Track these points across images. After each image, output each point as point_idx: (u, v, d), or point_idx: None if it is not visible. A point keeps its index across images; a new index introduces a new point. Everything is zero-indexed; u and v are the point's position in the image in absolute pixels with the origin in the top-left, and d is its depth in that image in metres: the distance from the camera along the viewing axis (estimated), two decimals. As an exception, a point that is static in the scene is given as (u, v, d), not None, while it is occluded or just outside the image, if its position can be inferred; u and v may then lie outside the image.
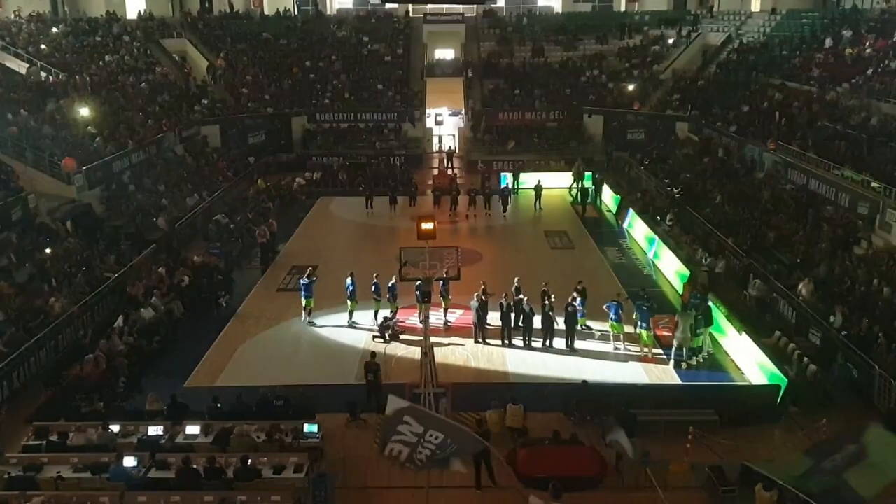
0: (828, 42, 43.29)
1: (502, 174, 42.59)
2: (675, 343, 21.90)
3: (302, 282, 25.26)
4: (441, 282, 23.14)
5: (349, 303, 24.89)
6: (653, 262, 30.43)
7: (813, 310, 22.44)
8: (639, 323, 22.72)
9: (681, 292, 25.93)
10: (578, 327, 23.52)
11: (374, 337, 23.76)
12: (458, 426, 11.88)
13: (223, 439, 16.61)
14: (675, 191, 35.88)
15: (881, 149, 29.88)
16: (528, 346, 23.07)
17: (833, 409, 18.89)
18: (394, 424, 11.38)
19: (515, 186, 41.05)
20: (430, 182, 40.96)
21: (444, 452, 11.50)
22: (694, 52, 53.71)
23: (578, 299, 23.66)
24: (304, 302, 25.08)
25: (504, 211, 38.53)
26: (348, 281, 24.86)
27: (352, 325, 24.82)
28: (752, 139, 37.97)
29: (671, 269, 28.67)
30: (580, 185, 40.05)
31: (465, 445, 11.78)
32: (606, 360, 22.25)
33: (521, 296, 23.62)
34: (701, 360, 21.97)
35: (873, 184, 27.35)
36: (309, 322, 25.04)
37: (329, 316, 25.40)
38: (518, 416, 18.00)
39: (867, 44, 39.72)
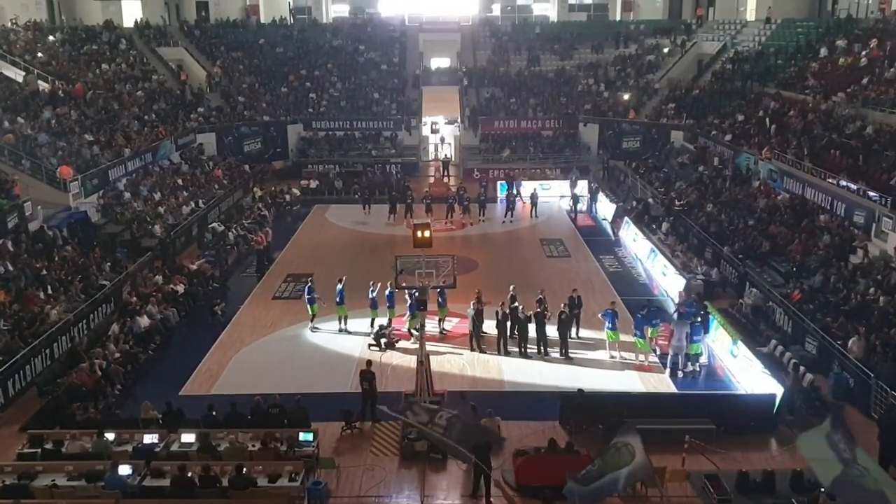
0: (823, 51, 43.46)
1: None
2: (670, 351, 21.91)
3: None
4: (438, 290, 23.11)
5: (339, 308, 24.89)
6: (648, 271, 30.43)
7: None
8: (634, 331, 22.80)
9: (676, 301, 25.95)
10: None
11: (370, 345, 23.70)
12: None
13: (207, 446, 16.60)
14: (679, 203, 35.68)
15: (876, 157, 29.96)
16: (523, 355, 23.03)
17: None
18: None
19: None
20: (426, 190, 40.94)
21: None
22: (689, 61, 53.93)
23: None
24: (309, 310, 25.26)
25: (511, 217, 38.71)
26: (339, 287, 24.86)
27: (343, 332, 24.83)
28: (747, 148, 38.07)
29: (666, 277, 28.69)
30: (572, 194, 40.26)
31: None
32: (602, 369, 22.22)
33: (517, 304, 23.62)
34: (698, 368, 21.97)
35: (869, 192, 27.42)
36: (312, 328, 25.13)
37: (324, 323, 25.35)
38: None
39: (862, 53, 39.86)
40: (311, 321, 25.17)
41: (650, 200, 37.72)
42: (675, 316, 23.37)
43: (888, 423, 17.24)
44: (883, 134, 31.23)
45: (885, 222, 25.57)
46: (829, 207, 29.57)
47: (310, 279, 26.52)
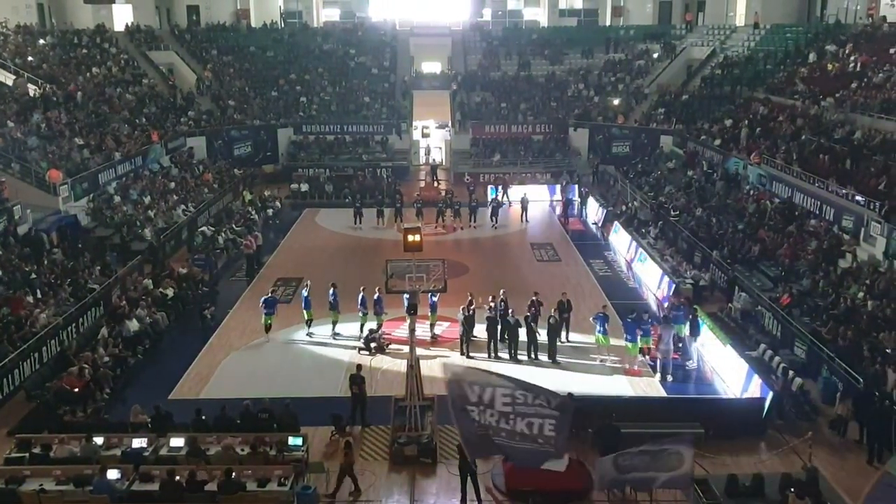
0: (812, 56, 43.68)
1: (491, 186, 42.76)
2: (659, 356, 21.95)
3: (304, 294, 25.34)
4: (430, 295, 23.08)
5: (332, 314, 24.89)
6: (637, 275, 30.50)
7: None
8: (625, 335, 22.86)
9: (665, 305, 26.02)
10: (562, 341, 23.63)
11: (360, 349, 23.67)
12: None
13: (196, 450, 16.58)
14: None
15: (865, 162, 30.11)
16: (514, 359, 23.02)
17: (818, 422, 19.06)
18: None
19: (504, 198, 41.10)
20: (417, 194, 40.94)
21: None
22: (678, 66, 54.14)
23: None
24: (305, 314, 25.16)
25: (496, 222, 38.65)
26: (330, 292, 24.83)
27: (335, 336, 24.83)
28: (736, 152, 38.20)
29: (655, 281, 28.75)
30: (564, 198, 40.37)
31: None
32: (592, 373, 22.23)
33: (508, 308, 23.63)
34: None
35: (857, 197, 27.54)
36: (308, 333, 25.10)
37: (314, 328, 25.26)
38: None
39: (851, 58, 40.09)
40: (308, 326, 25.13)
41: (637, 203, 37.82)
42: (664, 320, 23.42)
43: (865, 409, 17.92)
44: (871, 139, 31.39)
45: (874, 227, 25.67)
46: (818, 212, 29.69)
47: (307, 284, 26.39)
